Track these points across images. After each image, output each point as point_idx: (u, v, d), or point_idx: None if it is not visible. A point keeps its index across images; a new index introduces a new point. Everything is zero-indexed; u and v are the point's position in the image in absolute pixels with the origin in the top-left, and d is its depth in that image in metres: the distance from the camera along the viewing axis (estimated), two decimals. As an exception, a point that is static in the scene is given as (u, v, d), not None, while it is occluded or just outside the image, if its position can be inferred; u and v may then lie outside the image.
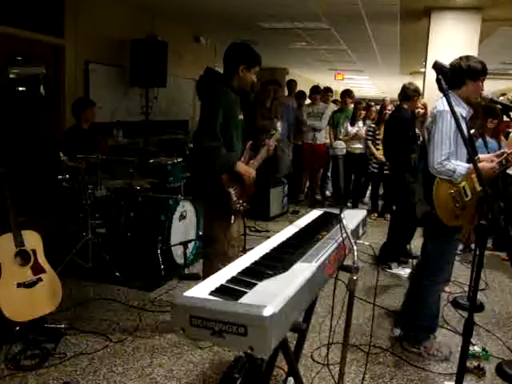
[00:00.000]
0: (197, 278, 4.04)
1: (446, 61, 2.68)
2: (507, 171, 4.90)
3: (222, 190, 2.86)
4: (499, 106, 3.97)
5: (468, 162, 2.72)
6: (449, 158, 2.63)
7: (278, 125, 3.42)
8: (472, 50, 5.67)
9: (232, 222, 2.98)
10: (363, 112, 6.99)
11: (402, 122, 4.64)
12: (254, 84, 3.14)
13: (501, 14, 6.02)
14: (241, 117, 3.04)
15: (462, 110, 2.72)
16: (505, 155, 2.79)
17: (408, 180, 4.22)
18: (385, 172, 6.41)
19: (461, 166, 2.64)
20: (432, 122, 2.74)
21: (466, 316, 1.93)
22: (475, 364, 2.83)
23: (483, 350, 2.99)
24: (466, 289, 3.89)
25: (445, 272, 2.94)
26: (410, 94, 4.66)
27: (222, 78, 2.96)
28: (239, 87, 2.98)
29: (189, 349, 2.98)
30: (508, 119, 2.77)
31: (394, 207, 5.05)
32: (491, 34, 7.22)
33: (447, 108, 2.59)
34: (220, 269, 1.54)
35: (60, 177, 4.01)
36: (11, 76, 5.05)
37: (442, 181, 2.69)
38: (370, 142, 6.71)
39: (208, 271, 3.03)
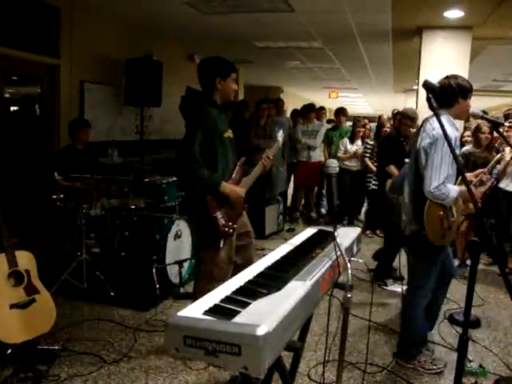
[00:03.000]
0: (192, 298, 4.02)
1: (438, 79, 2.73)
2: (499, 186, 4.95)
3: (208, 215, 2.74)
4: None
5: (456, 177, 2.77)
6: (445, 183, 2.62)
7: (279, 134, 3.29)
8: (463, 68, 5.76)
9: (221, 246, 2.83)
10: (362, 130, 7.00)
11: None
12: (236, 92, 3.06)
13: (490, 32, 6.13)
14: (229, 133, 2.95)
15: (454, 131, 2.72)
16: (480, 176, 2.86)
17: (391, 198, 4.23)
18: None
19: (452, 190, 2.64)
20: (432, 143, 2.67)
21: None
22: (472, 381, 2.81)
23: (480, 366, 2.97)
24: (462, 305, 3.87)
25: (427, 289, 2.96)
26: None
27: (202, 95, 2.91)
28: (223, 100, 2.94)
29: (184, 369, 2.94)
30: (497, 135, 2.81)
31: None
32: (482, 52, 7.34)
33: (448, 131, 2.58)
34: (208, 290, 1.53)
35: (54, 196, 4.00)
36: (6, 95, 5.07)
37: (432, 203, 2.70)
38: (367, 159, 6.73)
39: (196, 291, 2.99)
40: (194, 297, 2.94)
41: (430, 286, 2.94)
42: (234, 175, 2.93)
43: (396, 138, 5.17)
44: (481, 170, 3.07)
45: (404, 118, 5.13)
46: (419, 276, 2.96)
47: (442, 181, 2.61)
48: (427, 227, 2.71)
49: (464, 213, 2.87)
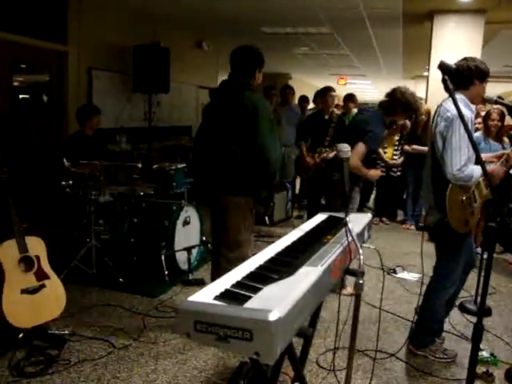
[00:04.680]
0: (201, 284, 4.02)
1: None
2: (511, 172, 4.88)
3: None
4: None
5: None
6: (467, 164, 2.56)
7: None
8: (475, 53, 5.66)
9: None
10: None
11: None
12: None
13: (504, 16, 6.02)
14: None
15: (470, 112, 2.65)
16: (505, 156, 2.78)
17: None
18: (391, 174, 6.43)
19: (476, 169, 2.57)
20: (448, 126, 2.62)
21: (474, 321, 1.90)
22: (484, 369, 2.79)
23: (491, 355, 2.95)
24: (473, 293, 3.85)
25: (455, 278, 2.90)
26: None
27: (249, 84, 2.98)
28: None
29: (193, 354, 2.95)
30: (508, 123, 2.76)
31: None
32: (494, 37, 7.21)
33: (463, 111, 2.54)
34: None
35: (63, 183, 4.01)
36: (15, 83, 5.06)
37: (455, 188, 2.63)
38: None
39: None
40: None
41: (457, 275, 2.88)
42: None
43: None
44: (503, 151, 3.00)
45: None
46: (446, 266, 2.88)
47: (464, 162, 2.54)
48: (450, 213, 2.62)
49: (485, 199, 2.80)
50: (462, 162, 2.55)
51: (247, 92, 2.90)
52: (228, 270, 3.04)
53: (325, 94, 5.26)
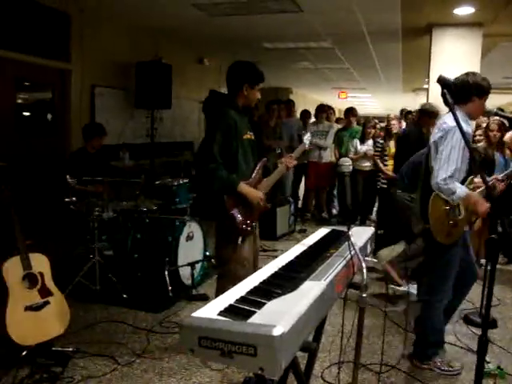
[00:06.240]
0: (204, 299, 4.01)
1: (449, 76, 2.70)
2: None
3: (225, 212, 2.83)
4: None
5: (467, 176, 2.74)
6: (453, 177, 2.59)
7: (306, 137, 3.36)
8: (474, 65, 5.71)
9: (239, 242, 2.91)
10: (373, 130, 6.96)
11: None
12: (259, 101, 3.13)
13: (501, 29, 6.07)
14: (249, 135, 3.00)
15: (468, 127, 2.70)
16: (492, 182, 2.83)
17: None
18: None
19: (460, 189, 2.60)
20: (442, 137, 2.68)
21: (479, 333, 1.90)
22: (491, 383, 2.77)
23: (498, 367, 2.92)
24: (477, 305, 3.83)
25: (447, 287, 2.90)
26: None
27: (226, 98, 2.98)
28: (244, 105, 2.99)
29: (197, 370, 2.94)
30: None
31: None
32: (492, 50, 7.27)
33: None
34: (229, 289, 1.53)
35: (67, 199, 4.03)
36: (18, 101, 5.11)
37: (438, 196, 2.68)
38: (377, 159, 6.69)
39: (220, 291, 3.00)
40: (216, 297, 2.97)
41: (447, 287, 2.88)
42: (253, 176, 2.98)
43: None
44: (495, 177, 3.05)
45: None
46: (434, 277, 2.91)
47: (451, 173, 2.58)
48: (431, 221, 2.69)
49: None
50: (448, 173, 2.58)
51: (218, 107, 2.91)
52: (218, 285, 3.04)
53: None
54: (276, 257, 1.87)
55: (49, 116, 5.47)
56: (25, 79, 5.18)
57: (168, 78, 6.52)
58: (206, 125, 3.00)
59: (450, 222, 2.69)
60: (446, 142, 2.63)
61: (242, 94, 2.93)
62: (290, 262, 1.81)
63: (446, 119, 2.70)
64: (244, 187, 2.85)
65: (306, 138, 3.33)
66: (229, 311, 1.34)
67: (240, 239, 2.90)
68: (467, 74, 2.75)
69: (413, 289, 4.46)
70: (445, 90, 1.87)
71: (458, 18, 5.64)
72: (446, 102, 1.93)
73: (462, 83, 2.69)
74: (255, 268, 2.95)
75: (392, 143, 6.20)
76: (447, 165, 2.60)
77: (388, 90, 14.37)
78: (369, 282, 1.78)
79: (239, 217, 2.85)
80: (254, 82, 2.94)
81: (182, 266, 4.19)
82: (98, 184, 4.25)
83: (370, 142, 6.88)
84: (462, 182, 2.72)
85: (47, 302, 2.91)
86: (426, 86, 7.25)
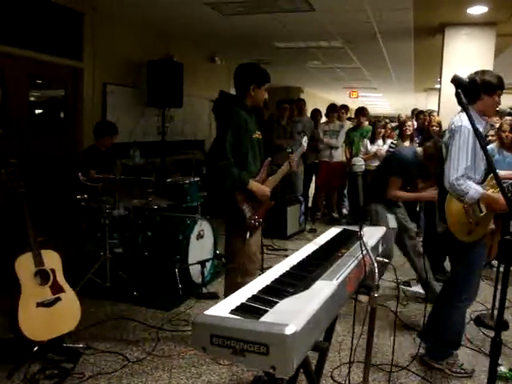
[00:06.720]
0: (214, 297, 4.03)
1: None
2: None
3: (236, 207, 2.92)
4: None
5: (486, 175, 2.71)
6: (465, 176, 2.57)
7: (304, 139, 3.50)
8: (487, 65, 5.64)
9: (247, 237, 3.00)
10: (383, 130, 6.92)
11: None
12: (267, 101, 3.23)
13: (516, 29, 6.01)
14: (257, 135, 3.09)
15: (479, 126, 2.68)
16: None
17: None
18: None
19: (473, 189, 2.56)
20: (450, 137, 2.70)
21: (491, 335, 1.88)
22: (502, 385, 2.75)
23: (510, 370, 2.90)
24: (489, 306, 3.79)
25: (472, 288, 2.88)
26: None
27: (235, 99, 3.06)
28: (252, 106, 3.07)
29: (207, 368, 2.95)
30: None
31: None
32: (505, 50, 7.19)
33: (465, 123, 2.58)
34: (240, 284, 1.53)
35: (78, 196, 4.06)
36: (31, 98, 5.16)
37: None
38: None
39: (229, 287, 3.06)
40: (225, 292, 3.13)
41: (473, 287, 2.86)
42: (260, 174, 3.07)
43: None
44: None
45: None
46: (459, 277, 2.88)
47: (462, 172, 2.56)
48: (449, 219, 2.67)
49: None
50: (458, 172, 2.56)
51: (228, 107, 2.99)
52: (227, 280, 3.12)
53: None
54: (286, 256, 1.87)
55: (61, 114, 5.52)
56: (38, 77, 5.22)
57: (179, 77, 6.53)
58: (217, 125, 3.09)
59: (470, 220, 2.67)
60: (454, 142, 2.64)
61: (249, 94, 3.02)
62: (302, 261, 1.81)
63: (455, 119, 2.71)
64: (254, 184, 2.96)
65: (304, 140, 3.46)
66: (241, 309, 1.35)
67: (248, 234, 3.00)
68: (476, 72, 2.74)
69: (420, 289, 4.44)
70: (459, 90, 1.85)
71: (471, 17, 5.58)
72: (459, 102, 1.91)
73: (470, 82, 2.67)
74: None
75: (407, 144, 6.15)
76: (457, 163, 2.59)
77: (399, 90, 14.29)
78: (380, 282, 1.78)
79: (248, 212, 2.95)
80: (261, 83, 3.03)
81: (192, 265, 4.20)
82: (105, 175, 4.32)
83: (380, 141, 6.84)
84: (483, 181, 2.70)
85: (58, 299, 2.93)
86: (437, 86, 7.21)
